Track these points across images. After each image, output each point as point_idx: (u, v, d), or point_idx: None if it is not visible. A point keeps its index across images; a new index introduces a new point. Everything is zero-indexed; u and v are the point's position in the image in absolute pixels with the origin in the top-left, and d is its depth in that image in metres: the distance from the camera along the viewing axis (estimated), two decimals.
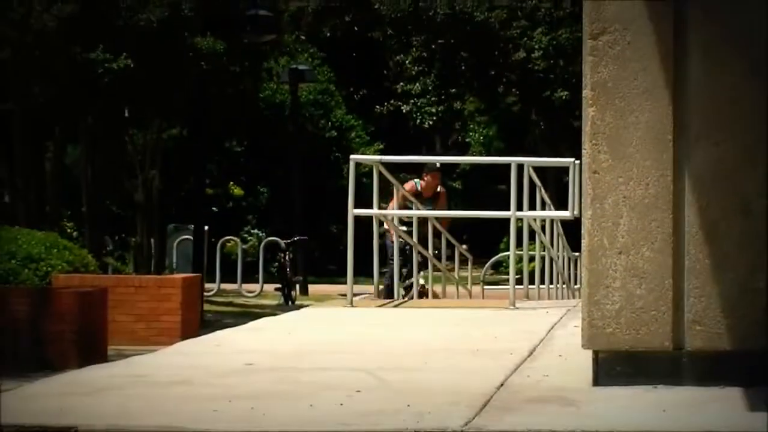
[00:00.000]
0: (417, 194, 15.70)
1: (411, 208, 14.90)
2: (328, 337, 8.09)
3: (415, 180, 16.74)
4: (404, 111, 33.79)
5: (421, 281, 14.67)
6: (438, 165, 17.04)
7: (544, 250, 14.53)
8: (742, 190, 5.68)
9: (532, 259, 14.25)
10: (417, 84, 33.03)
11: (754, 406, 5.09)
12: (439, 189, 16.59)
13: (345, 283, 11.13)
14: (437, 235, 15.00)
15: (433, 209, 15.37)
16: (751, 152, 5.69)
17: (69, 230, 28.63)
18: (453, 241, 15.53)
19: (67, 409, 4.92)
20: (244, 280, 28.86)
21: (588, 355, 5.78)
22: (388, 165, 12.37)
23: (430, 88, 32.91)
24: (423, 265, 14.65)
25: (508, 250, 12.46)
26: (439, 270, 14.96)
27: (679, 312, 5.69)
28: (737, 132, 5.69)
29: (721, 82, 5.70)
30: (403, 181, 15.45)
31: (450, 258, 16.02)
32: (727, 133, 5.69)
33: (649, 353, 5.68)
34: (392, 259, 13.29)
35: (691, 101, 5.71)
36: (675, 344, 5.69)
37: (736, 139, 5.69)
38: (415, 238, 13.46)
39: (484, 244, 28.91)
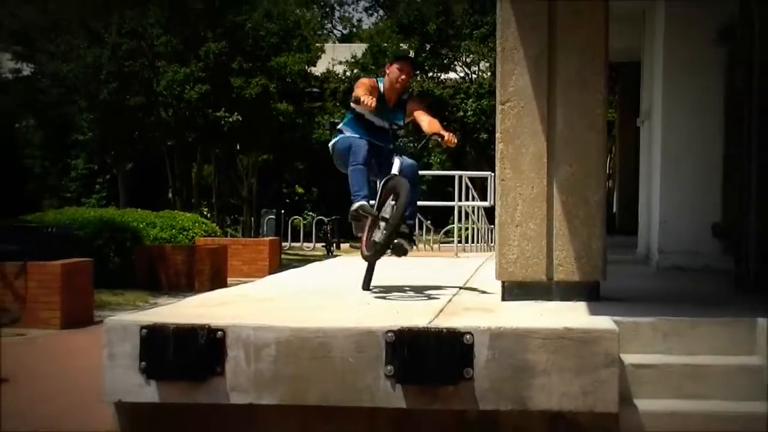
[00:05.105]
0: (380, 100, 6.04)
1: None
2: (352, 274, 8.10)
3: (378, 79, 6.24)
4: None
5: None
6: (409, 54, 6.71)
7: (474, 224, 14.55)
8: (584, 191, 5.68)
9: (467, 228, 14.28)
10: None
11: (593, 312, 5.10)
12: (406, 96, 6.34)
13: None
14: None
15: (404, 121, 6.50)
16: (589, 171, 5.68)
17: (205, 213, 28.71)
18: (421, 218, 15.47)
19: (204, 314, 4.94)
20: (304, 241, 28.93)
21: (498, 284, 5.79)
22: None
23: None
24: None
25: (454, 223, 12.44)
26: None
27: (549, 259, 5.68)
28: (582, 160, 5.68)
29: (574, 133, 5.69)
30: None
31: (420, 227, 15.98)
32: (576, 160, 5.68)
33: (533, 283, 5.68)
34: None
35: (557, 141, 5.70)
36: (548, 277, 5.69)
37: (582, 164, 5.68)
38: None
39: (439, 220, 28.82)
